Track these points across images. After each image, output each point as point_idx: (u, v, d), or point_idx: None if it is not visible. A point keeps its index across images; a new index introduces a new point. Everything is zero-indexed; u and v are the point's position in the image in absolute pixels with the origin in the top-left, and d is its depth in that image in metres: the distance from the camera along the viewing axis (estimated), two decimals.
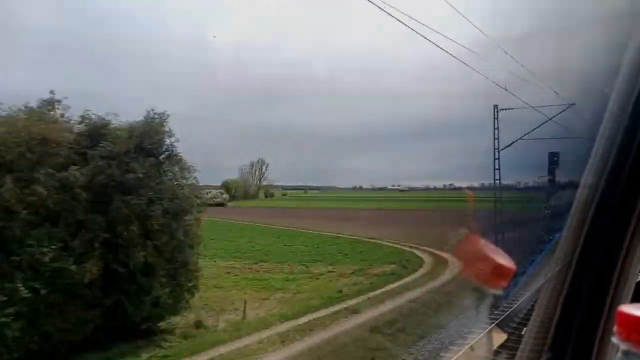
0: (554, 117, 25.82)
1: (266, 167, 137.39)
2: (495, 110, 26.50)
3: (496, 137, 26.35)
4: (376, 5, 7.79)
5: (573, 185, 1.93)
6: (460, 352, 11.37)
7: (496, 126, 26.85)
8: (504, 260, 1.69)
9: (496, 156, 26.95)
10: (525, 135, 25.84)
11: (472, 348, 11.20)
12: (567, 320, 1.74)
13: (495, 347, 11.03)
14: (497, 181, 28.54)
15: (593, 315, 1.66)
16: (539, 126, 27.00)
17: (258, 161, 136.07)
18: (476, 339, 11.75)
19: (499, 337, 11.38)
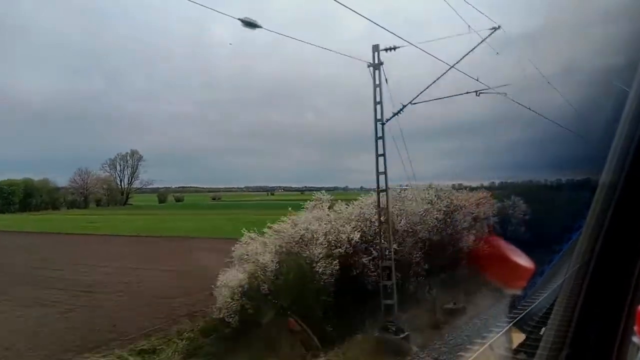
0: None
1: (138, 161, 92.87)
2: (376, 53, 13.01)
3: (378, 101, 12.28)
4: None
5: (590, 185, 1.92)
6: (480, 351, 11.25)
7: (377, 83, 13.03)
8: (523, 260, 1.69)
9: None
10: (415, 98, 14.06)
11: (491, 347, 11.08)
12: (587, 319, 1.73)
13: (514, 346, 10.91)
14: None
15: (613, 314, 1.65)
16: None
17: (129, 154, 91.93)
18: (495, 339, 11.63)
19: (518, 337, 11.24)
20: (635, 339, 1.17)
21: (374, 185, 13.42)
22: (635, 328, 1.16)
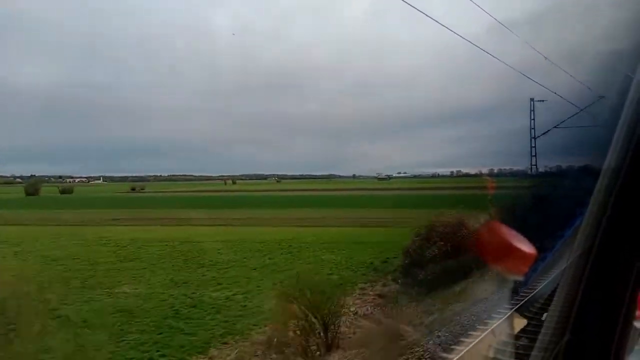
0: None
1: None
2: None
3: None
4: None
5: (593, 172, 1.92)
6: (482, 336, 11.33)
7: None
8: (525, 246, 1.70)
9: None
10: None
11: (493, 333, 11.16)
12: (589, 304, 1.74)
13: (515, 332, 10.98)
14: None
15: (614, 299, 1.66)
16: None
17: None
18: (497, 324, 11.70)
19: (519, 323, 11.31)
20: (637, 324, 1.18)
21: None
22: (637, 313, 1.17)
